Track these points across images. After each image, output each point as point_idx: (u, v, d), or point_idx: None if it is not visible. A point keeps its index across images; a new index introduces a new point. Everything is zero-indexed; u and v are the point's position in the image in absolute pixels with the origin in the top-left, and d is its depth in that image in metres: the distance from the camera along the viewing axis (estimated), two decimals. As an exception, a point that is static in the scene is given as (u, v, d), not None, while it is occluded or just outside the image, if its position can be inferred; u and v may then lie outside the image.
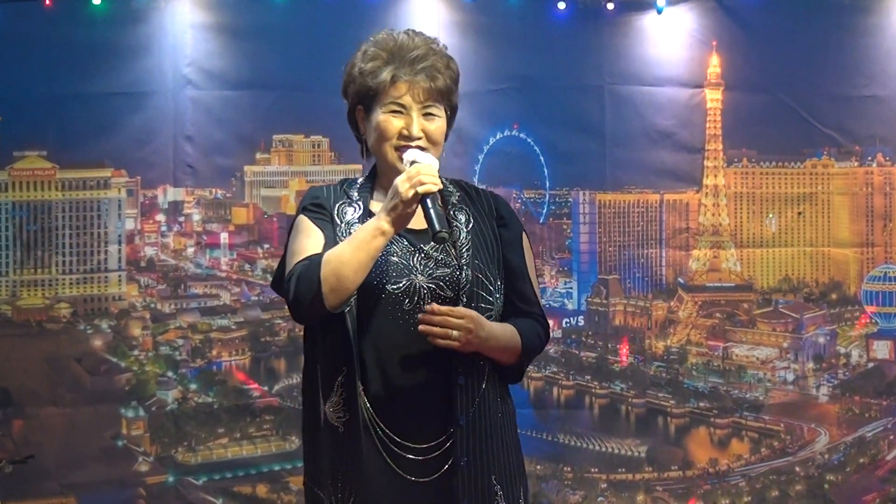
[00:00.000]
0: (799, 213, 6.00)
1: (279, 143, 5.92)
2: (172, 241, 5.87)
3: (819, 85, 5.91)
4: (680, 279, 6.03)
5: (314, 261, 2.48)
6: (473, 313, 2.50)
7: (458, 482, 2.52)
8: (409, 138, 2.58)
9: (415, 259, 2.59)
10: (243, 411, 5.77)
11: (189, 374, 5.75)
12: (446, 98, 2.64)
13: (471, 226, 2.65)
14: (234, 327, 5.84)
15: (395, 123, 2.59)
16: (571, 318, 5.97)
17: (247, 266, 5.90)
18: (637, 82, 5.92)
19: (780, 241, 6.00)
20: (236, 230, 5.93)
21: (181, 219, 5.86)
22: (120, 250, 5.76)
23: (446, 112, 2.66)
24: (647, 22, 5.94)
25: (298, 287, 2.48)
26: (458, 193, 2.71)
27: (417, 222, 2.56)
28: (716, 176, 5.97)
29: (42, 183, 5.70)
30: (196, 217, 5.87)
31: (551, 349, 5.84)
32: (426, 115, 2.60)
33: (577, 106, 5.90)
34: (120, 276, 5.75)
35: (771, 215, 6.00)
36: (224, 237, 5.91)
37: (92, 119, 5.66)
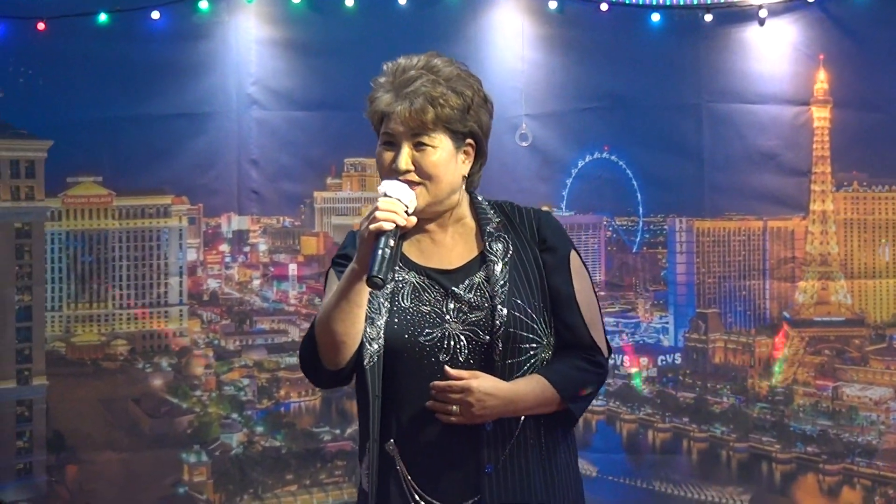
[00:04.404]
0: (915, 241, 5.82)
1: (351, 168, 5.81)
2: (237, 273, 5.76)
3: (936, 101, 5.69)
4: (785, 313, 5.80)
5: (313, 323, 2.44)
6: (476, 384, 2.33)
7: None
8: (398, 172, 2.42)
9: (446, 305, 2.44)
10: (313, 456, 5.66)
11: (255, 415, 5.66)
12: (444, 125, 2.43)
13: (508, 256, 2.48)
14: (303, 366, 5.72)
15: (385, 157, 2.46)
16: (668, 356, 5.76)
17: (317, 300, 5.71)
18: (738, 100, 5.71)
19: (894, 272, 5.77)
20: (305, 261, 5.80)
21: (246, 249, 5.74)
22: (181, 283, 5.65)
23: (457, 140, 2.46)
24: (749, 34, 5.72)
25: (301, 353, 2.47)
26: (497, 220, 2.54)
27: (448, 261, 2.48)
28: (824, 201, 5.76)
29: (98, 211, 5.60)
30: (262, 247, 5.75)
31: (646, 389, 5.71)
32: (417, 145, 2.42)
33: (673, 126, 5.71)
34: (181, 310, 5.64)
35: (885, 242, 5.77)
36: (292, 268, 5.79)
37: (150, 142, 5.55)
